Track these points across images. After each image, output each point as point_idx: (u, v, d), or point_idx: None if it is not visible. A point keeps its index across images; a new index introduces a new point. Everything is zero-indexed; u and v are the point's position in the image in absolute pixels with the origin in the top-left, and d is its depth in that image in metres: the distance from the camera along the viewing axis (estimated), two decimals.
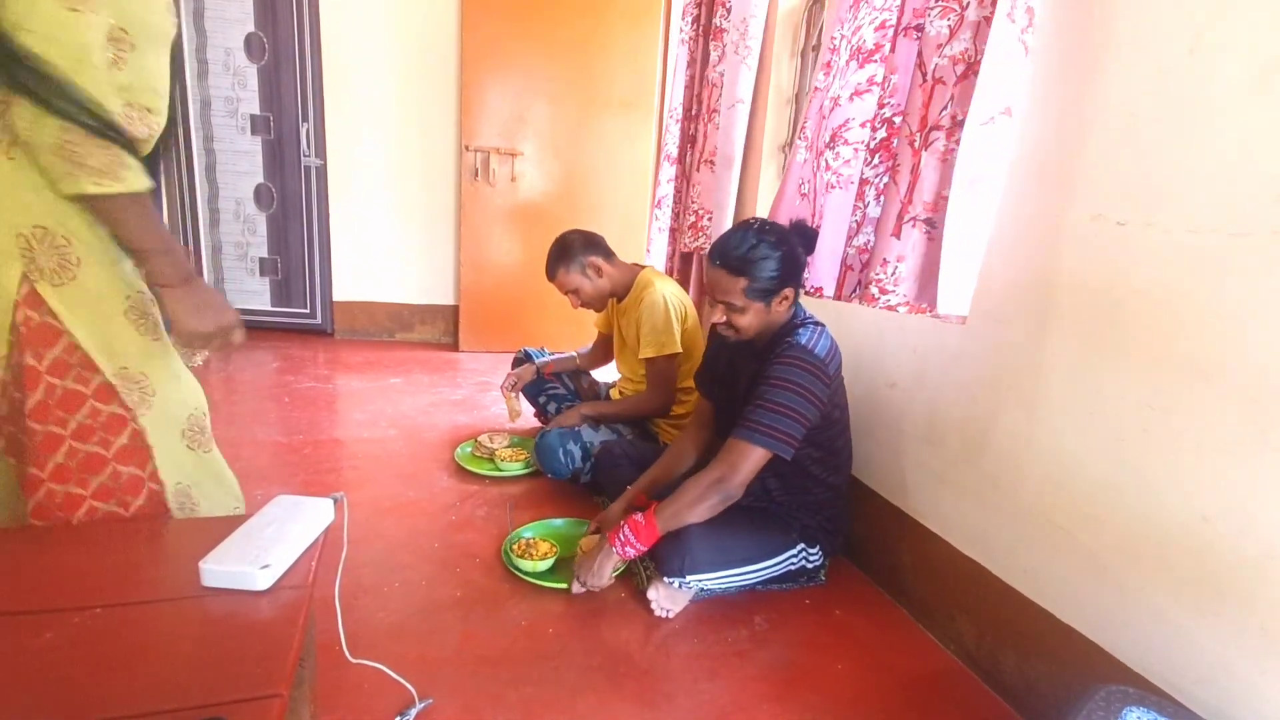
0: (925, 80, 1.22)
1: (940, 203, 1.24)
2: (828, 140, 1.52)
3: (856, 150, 1.49)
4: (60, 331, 0.81)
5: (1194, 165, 1.00)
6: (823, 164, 1.54)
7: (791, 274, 1.42)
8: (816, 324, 1.49)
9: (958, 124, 1.20)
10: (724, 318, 1.45)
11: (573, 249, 2.08)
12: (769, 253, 1.38)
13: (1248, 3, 0.94)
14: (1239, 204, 0.94)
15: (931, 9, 1.21)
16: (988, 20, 1.15)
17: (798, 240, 1.45)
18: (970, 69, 1.17)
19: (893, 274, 1.29)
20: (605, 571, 1.47)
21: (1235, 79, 0.95)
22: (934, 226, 1.26)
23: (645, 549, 1.44)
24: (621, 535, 1.44)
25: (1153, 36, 1.06)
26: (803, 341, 1.40)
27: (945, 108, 1.20)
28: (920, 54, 1.24)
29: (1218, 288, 0.97)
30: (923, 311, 1.31)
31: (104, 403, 0.85)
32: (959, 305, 1.25)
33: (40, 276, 0.80)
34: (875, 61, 1.44)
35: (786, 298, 1.44)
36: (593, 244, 2.11)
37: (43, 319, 0.80)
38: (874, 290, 1.32)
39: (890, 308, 1.31)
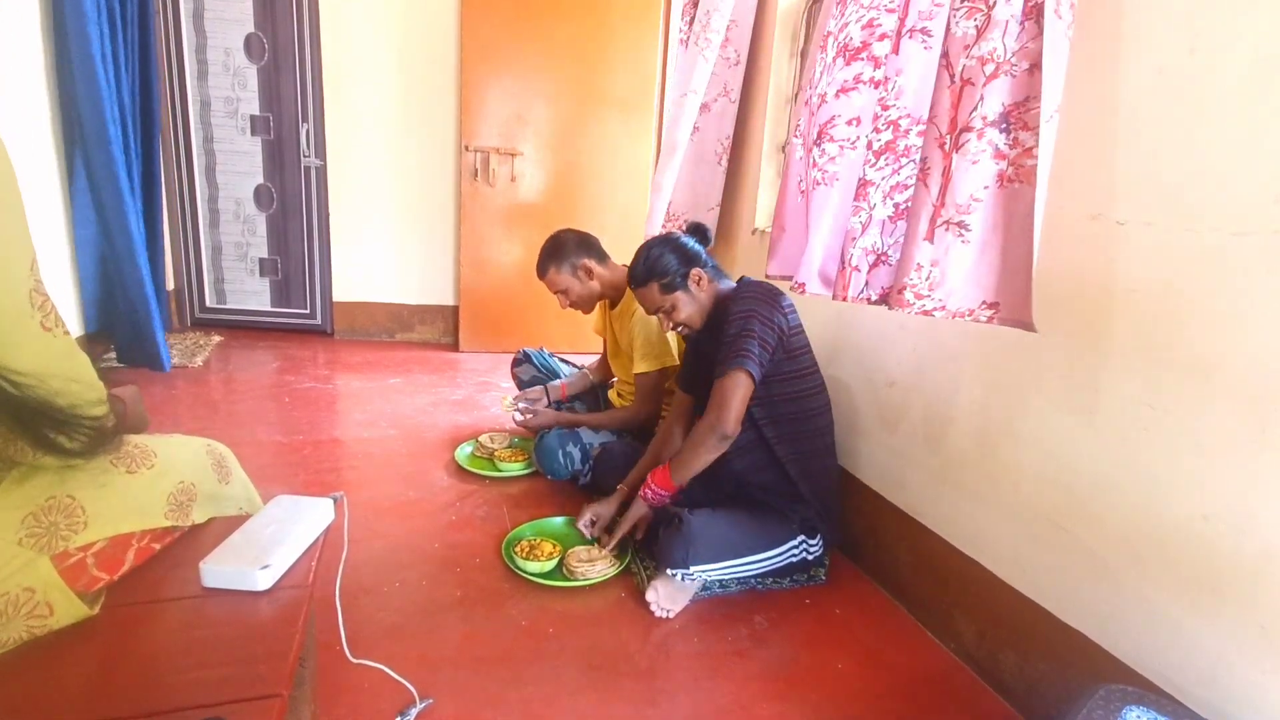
0: (953, 82, 1.21)
1: (974, 205, 1.23)
2: (815, 138, 1.52)
3: (842, 148, 1.50)
4: None
5: (1194, 164, 1.00)
6: (810, 161, 1.54)
7: (689, 259, 1.65)
8: (745, 280, 1.66)
9: (989, 124, 1.18)
10: (670, 323, 1.67)
11: (565, 249, 2.07)
12: (658, 255, 1.63)
13: (1248, 3, 0.94)
14: (1239, 203, 0.94)
15: (957, 9, 1.19)
16: (1015, 19, 1.14)
17: (690, 236, 1.72)
18: (1000, 68, 1.16)
19: (927, 278, 1.27)
20: (629, 520, 1.63)
21: (1235, 79, 0.95)
22: (968, 229, 1.24)
23: (668, 495, 1.59)
24: (646, 490, 1.61)
25: (1153, 36, 1.06)
26: (747, 279, 1.64)
27: (975, 109, 1.19)
28: (946, 55, 1.22)
29: (1217, 287, 0.97)
30: (963, 316, 1.28)
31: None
32: (1021, 310, 1.22)
33: None
34: (863, 60, 1.44)
35: (699, 278, 1.64)
36: (586, 245, 2.09)
37: None
38: (908, 296, 1.29)
39: (926, 312, 1.29)
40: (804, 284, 1.58)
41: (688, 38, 2.61)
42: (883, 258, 1.44)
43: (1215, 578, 0.98)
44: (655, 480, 1.59)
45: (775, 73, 2.34)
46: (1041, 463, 1.26)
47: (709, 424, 1.50)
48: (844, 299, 1.47)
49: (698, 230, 1.74)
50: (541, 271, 2.10)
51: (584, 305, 2.15)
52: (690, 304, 1.64)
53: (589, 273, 2.07)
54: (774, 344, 1.52)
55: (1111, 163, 1.12)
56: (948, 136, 1.23)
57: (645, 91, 3.47)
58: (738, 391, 1.49)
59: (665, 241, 1.67)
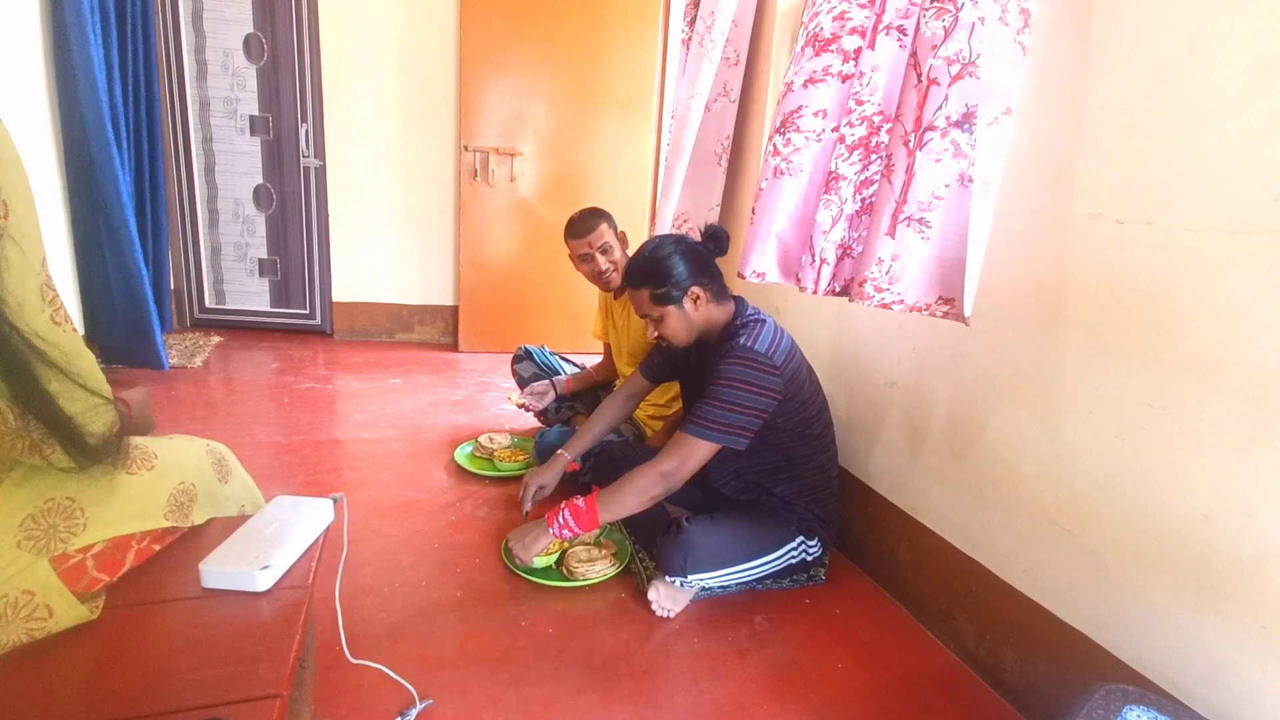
0: (920, 81, 1.23)
1: (934, 203, 1.25)
2: (778, 125, 1.52)
3: (808, 139, 1.49)
4: None
5: (1193, 164, 1.00)
6: (771, 149, 1.54)
7: (694, 273, 1.48)
8: (758, 320, 1.51)
9: (952, 124, 1.20)
10: (654, 331, 1.55)
11: (606, 213, 2.10)
12: (662, 258, 1.48)
13: (1247, 3, 0.94)
14: (1238, 202, 0.94)
15: (926, 10, 1.21)
16: (982, 21, 1.15)
17: (704, 244, 1.54)
18: (965, 69, 1.18)
19: (887, 272, 1.30)
20: (536, 547, 1.52)
21: (1234, 78, 0.95)
22: (928, 226, 1.26)
23: (582, 533, 1.48)
24: (560, 518, 1.45)
25: (1152, 36, 1.06)
26: (741, 341, 1.44)
27: (940, 108, 1.20)
28: (915, 54, 1.24)
29: (1217, 286, 0.97)
30: (919, 311, 1.31)
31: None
32: (964, 306, 1.25)
33: None
34: (832, 52, 1.44)
35: (699, 296, 1.49)
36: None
37: None
38: (869, 289, 1.32)
39: (885, 305, 1.31)
40: (763, 273, 1.58)
41: (689, 38, 2.61)
42: (848, 251, 1.46)
43: (1215, 577, 0.98)
44: (576, 518, 1.44)
45: (774, 72, 2.34)
46: (1041, 462, 1.26)
47: (661, 473, 1.42)
48: (815, 292, 1.48)
49: (714, 237, 1.54)
50: (588, 228, 2.06)
51: (615, 273, 2.11)
52: (681, 321, 1.50)
53: (624, 240, 2.11)
54: (771, 409, 1.43)
55: (1112, 162, 1.12)
56: (912, 134, 1.25)
57: (645, 92, 3.47)
58: (700, 455, 1.42)
59: (677, 243, 1.51)
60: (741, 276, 1.59)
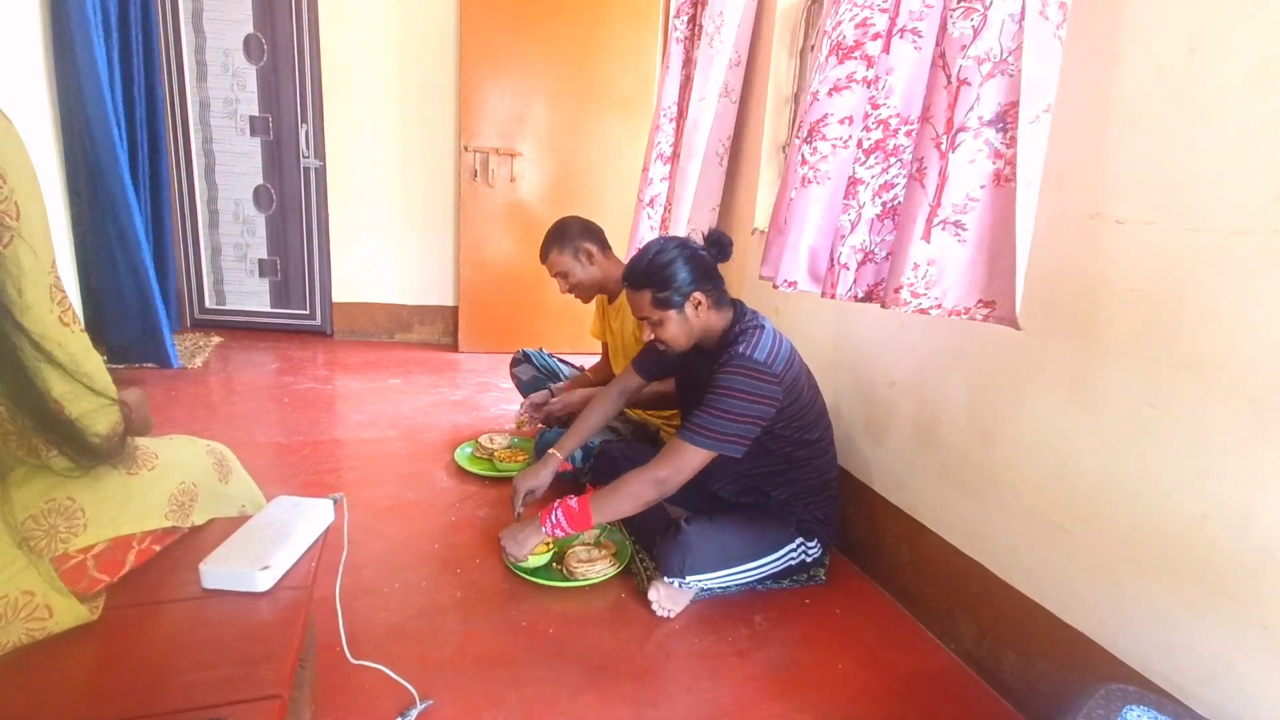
0: (949, 82, 1.21)
1: (970, 205, 1.23)
2: (805, 135, 1.52)
3: (835, 147, 1.49)
4: None
5: (1193, 163, 1.00)
6: (800, 158, 1.54)
7: (698, 279, 1.47)
8: (757, 326, 1.50)
9: (984, 124, 1.19)
10: (651, 334, 1.53)
11: (569, 232, 2.08)
12: (665, 263, 1.46)
13: (1247, 3, 0.94)
14: (1239, 202, 0.94)
15: (953, 9, 1.20)
16: (1013, 18, 1.14)
17: (708, 249, 1.53)
18: (996, 68, 1.17)
19: (923, 277, 1.28)
20: (528, 545, 1.53)
21: (1235, 77, 0.95)
22: (964, 229, 1.25)
23: (573, 532, 1.48)
24: (553, 517, 1.46)
25: (1153, 35, 1.06)
26: (741, 350, 1.44)
27: (971, 108, 1.19)
28: (943, 55, 1.23)
29: (1217, 286, 0.97)
30: (958, 314, 1.29)
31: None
32: (1007, 309, 1.22)
33: None
34: (855, 58, 1.44)
35: (700, 302, 1.48)
36: (589, 232, 2.11)
37: None
38: (905, 295, 1.29)
39: (922, 310, 1.29)
40: (794, 282, 1.58)
41: (684, 37, 2.61)
42: (869, 256, 1.45)
43: (1215, 576, 0.98)
44: (569, 518, 1.45)
45: (774, 72, 2.34)
46: (1041, 462, 1.26)
47: (656, 478, 1.42)
48: (832, 296, 1.47)
49: (717, 243, 1.53)
50: (544, 254, 2.10)
51: (584, 291, 2.13)
52: (680, 327, 1.49)
53: (590, 257, 2.08)
54: (769, 417, 1.43)
55: (1111, 162, 1.12)
56: (944, 136, 1.23)
57: (645, 92, 3.47)
58: (695, 462, 1.42)
59: (681, 247, 1.49)
60: (775, 285, 1.58)
